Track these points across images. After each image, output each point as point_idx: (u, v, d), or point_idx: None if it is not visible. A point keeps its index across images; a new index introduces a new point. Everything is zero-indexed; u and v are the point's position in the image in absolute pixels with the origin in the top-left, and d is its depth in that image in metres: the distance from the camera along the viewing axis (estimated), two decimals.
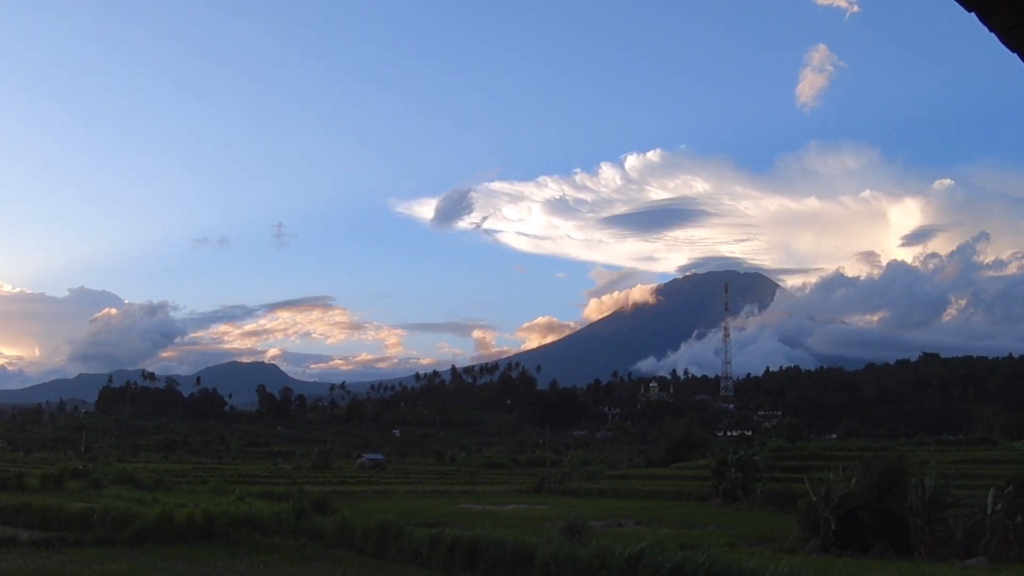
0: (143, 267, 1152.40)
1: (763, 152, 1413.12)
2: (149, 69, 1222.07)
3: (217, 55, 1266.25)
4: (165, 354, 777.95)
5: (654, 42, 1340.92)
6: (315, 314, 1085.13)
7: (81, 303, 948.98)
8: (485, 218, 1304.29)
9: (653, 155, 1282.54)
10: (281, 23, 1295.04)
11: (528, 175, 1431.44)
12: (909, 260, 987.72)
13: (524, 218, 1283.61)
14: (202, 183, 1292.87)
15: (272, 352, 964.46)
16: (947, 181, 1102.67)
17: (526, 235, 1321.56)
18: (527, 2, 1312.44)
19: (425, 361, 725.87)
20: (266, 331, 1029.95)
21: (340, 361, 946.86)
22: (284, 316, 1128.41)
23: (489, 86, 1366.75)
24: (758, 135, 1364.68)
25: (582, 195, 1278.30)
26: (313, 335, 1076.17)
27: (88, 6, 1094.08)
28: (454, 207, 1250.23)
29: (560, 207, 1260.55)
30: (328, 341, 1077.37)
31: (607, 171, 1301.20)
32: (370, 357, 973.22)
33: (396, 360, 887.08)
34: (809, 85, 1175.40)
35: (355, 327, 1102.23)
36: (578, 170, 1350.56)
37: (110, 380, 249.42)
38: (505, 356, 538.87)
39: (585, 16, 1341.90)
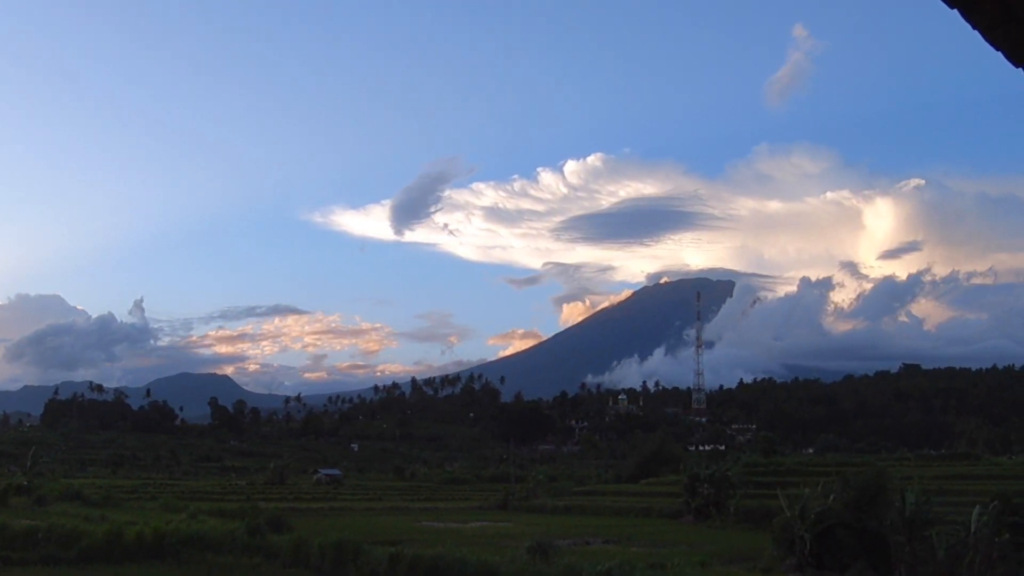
0: (88, 273, 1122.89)
1: (711, 156, 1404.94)
2: (92, 60, 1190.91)
3: (166, 45, 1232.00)
4: (113, 365, 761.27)
5: (587, 41, 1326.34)
6: (272, 323, 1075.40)
7: (22, 310, 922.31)
8: (446, 225, 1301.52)
9: (595, 159, 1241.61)
10: (265, 18, 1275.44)
11: (462, 183, 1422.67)
12: (886, 266, 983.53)
13: (461, 228, 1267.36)
14: (156, 183, 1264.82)
15: (224, 363, 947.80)
16: (917, 181, 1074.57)
17: (473, 245, 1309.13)
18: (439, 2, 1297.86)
19: (393, 370, 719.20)
20: (218, 341, 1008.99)
21: (299, 372, 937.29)
22: (235, 326, 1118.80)
23: (416, 93, 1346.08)
24: (704, 138, 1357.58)
25: (525, 203, 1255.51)
26: (268, 346, 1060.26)
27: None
28: (406, 215, 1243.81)
29: (502, 215, 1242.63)
30: (285, 352, 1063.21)
31: (547, 177, 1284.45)
32: (332, 367, 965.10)
33: (362, 370, 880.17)
34: (773, 86, 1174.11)
35: (316, 335, 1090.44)
36: (516, 176, 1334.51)
37: (56, 392, 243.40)
38: (471, 366, 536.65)
39: (508, 20, 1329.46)
